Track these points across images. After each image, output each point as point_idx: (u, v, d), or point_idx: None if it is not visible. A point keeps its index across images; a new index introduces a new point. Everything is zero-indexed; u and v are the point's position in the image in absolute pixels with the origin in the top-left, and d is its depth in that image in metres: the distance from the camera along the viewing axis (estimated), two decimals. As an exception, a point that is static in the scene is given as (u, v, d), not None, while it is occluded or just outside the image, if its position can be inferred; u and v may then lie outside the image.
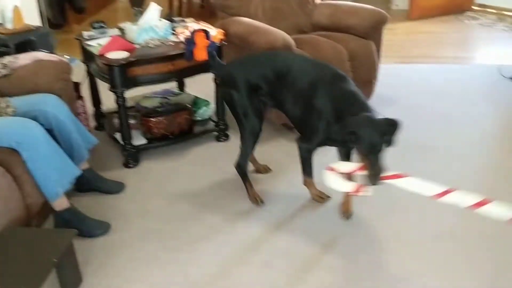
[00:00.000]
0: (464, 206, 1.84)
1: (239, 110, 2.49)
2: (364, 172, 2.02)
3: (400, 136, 3.29)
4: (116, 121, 3.13)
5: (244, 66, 2.57)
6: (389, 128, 2.07)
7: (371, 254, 2.24)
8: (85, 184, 2.72)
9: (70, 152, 2.49)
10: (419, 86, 4.20)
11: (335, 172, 2.02)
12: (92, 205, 2.63)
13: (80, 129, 2.62)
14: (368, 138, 2.01)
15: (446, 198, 1.85)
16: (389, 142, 2.07)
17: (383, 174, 1.98)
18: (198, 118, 3.36)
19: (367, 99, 2.33)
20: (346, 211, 2.51)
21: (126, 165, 3.04)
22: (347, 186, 2.03)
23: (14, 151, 2.19)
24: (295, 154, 2.50)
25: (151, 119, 3.07)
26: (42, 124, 2.32)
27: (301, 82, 2.39)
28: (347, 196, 2.48)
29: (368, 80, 3.49)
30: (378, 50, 3.59)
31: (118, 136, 3.11)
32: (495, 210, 1.81)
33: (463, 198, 1.84)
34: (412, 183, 1.97)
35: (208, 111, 3.40)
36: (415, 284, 2.07)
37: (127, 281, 2.13)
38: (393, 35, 5.34)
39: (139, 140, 3.11)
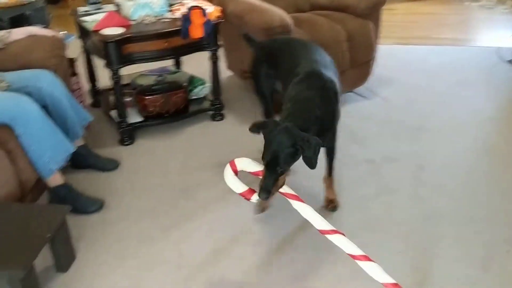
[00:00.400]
0: (346, 251, 1.73)
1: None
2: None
3: (395, 116, 3.34)
4: (111, 98, 3.12)
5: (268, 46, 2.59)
6: (303, 144, 1.80)
7: (360, 235, 2.26)
8: (79, 161, 2.73)
9: (65, 128, 2.49)
10: (417, 67, 4.19)
11: (235, 168, 1.86)
12: (86, 182, 2.65)
13: (74, 106, 2.61)
14: (269, 148, 1.81)
15: (331, 237, 1.75)
16: (287, 160, 1.81)
17: (272, 191, 1.79)
18: (194, 97, 3.35)
19: (326, 109, 2.06)
20: (329, 202, 2.43)
21: (121, 142, 3.04)
22: (238, 187, 1.84)
23: (7, 127, 2.19)
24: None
25: (147, 97, 3.06)
26: (36, 100, 2.31)
27: (284, 71, 2.32)
28: (328, 187, 2.42)
29: (365, 61, 3.47)
30: (377, 30, 3.56)
31: (113, 113, 3.11)
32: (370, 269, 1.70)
33: (346, 245, 1.73)
34: (305, 211, 1.81)
35: (204, 90, 3.39)
36: (401, 264, 2.09)
37: (120, 257, 2.16)
38: (392, 15, 5.30)
39: (134, 118, 3.11)
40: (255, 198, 1.83)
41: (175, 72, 3.44)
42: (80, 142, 2.68)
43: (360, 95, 3.64)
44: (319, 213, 1.82)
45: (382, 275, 1.66)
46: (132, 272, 2.07)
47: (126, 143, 3.04)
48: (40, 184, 2.41)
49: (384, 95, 3.65)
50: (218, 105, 3.27)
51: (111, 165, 2.80)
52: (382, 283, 1.66)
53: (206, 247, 2.21)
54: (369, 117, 3.35)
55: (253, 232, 2.30)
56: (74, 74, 3.21)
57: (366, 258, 1.69)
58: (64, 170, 2.44)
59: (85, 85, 3.43)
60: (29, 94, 2.35)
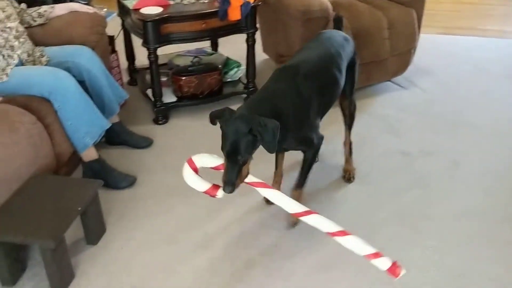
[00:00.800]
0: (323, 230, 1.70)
1: None
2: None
3: (434, 109, 3.25)
4: (148, 77, 3.15)
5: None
6: (261, 129, 1.69)
7: (391, 228, 2.22)
8: (114, 137, 2.78)
9: (101, 105, 2.53)
10: (460, 59, 4.04)
11: (194, 166, 1.78)
12: (120, 158, 2.69)
13: (112, 83, 2.65)
14: (227, 138, 1.71)
15: (305, 219, 1.71)
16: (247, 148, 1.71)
17: (237, 183, 1.71)
18: (229, 79, 3.34)
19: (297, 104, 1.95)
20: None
21: (156, 121, 3.07)
22: (201, 185, 1.77)
23: (46, 100, 2.24)
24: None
25: (182, 77, 3.07)
26: (74, 76, 2.35)
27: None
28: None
29: (406, 50, 3.37)
30: (420, 19, 3.44)
31: (149, 92, 3.14)
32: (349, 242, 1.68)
33: (322, 223, 1.69)
34: (275, 197, 1.76)
35: (239, 72, 3.38)
36: (431, 259, 2.04)
37: (148, 233, 2.19)
38: (436, 3, 5.11)
39: (169, 97, 3.13)
40: (220, 193, 1.75)
41: (211, 54, 3.44)
42: (115, 119, 2.72)
43: (399, 85, 3.55)
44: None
45: (364, 247, 1.64)
46: (160, 248, 2.10)
47: (160, 122, 3.07)
48: (75, 158, 2.47)
49: (424, 86, 3.54)
50: (251, 88, 3.25)
51: (144, 143, 2.83)
52: (364, 255, 1.64)
53: (232, 229, 2.22)
54: (407, 108, 3.26)
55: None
56: (113, 51, 3.25)
57: (344, 233, 1.65)
58: (98, 145, 2.49)
59: (124, 63, 3.47)
60: (68, 69, 2.39)
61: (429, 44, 4.00)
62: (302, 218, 1.71)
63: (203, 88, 3.11)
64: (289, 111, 1.89)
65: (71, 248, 2.03)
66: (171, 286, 1.92)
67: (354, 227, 2.18)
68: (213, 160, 1.79)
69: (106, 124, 2.43)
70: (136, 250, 2.10)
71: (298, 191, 2.17)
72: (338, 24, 2.47)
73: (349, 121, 2.50)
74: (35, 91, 2.23)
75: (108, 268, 2.00)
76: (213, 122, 1.81)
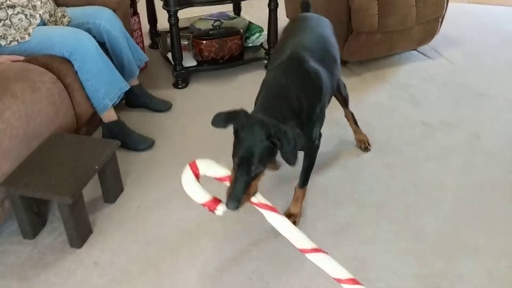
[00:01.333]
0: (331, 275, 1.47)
1: None
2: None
3: (459, 80, 3.16)
4: (169, 41, 3.14)
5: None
6: (281, 136, 1.51)
7: (407, 197, 2.21)
8: (134, 100, 2.80)
9: (121, 67, 2.55)
10: (489, 30, 3.91)
11: (197, 170, 1.60)
12: (139, 121, 2.72)
13: (132, 45, 2.65)
14: (242, 144, 1.51)
15: (312, 257, 1.49)
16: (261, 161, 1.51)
17: (243, 200, 1.50)
18: (250, 44, 3.31)
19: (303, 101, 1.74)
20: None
21: (175, 85, 3.09)
22: (200, 196, 1.57)
23: (66, 61, 2.27)
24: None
25: (203, 41, 3.06)
26: (94, 37, 2.37)
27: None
28: (296, 199, 2.07)
29: (434, 18, 3.27)
30: (449, -14, 3.33)
31: (170, 56, 3.14)
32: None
33: (330, 266, 1.47)
34: (282, 225, 1.54)
35: (261, 37, 3.34)
36: (444, 228, 2.03)
37: (165, 195, 2.23)
38: (470, -29, 4.92)
39: (189, 62, 3.13)
40: (221, 210, 1.54)
41: (233, 18, 3.40)
42: (135, 81, 2.74)
43: (424, 54, 3.47)
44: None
45: None
46: (176, 210, 2.14)
47: (180, 86, 3.08)
48: (95, 119, 2.51)
49: (450, 56, 3.45)
50: (273, 55, 3.22)
51: (164, 107, 2.85)
52: None
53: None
54: (431, 78, 3.19)
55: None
56: (134, 13, 3.24)
57: (355, 281, 1.43)
58: (118, 108, 2.52)
59: (145, 26, 3.47)
60: (88, 30, 2.41)
61: (458, 13, 3.88)
62: (309, 256, 1.49)
63: (223, 52, 3.09)
64: (306, 108, 1.73)
65: (89, 205, 2.09)
66: (185, 246, 1.96)
67: (371, 197, 2.20)
68: (219, 169, 1.58)
69: (125, 86, 2.45)
70: (152, 210, 2.14)
71: (302, 189, 2.04)
72: (306, 8, 2.31)
73: (344, 102, 2.40)
74: (56, 51, 2.25)
75: (124, 225, 2.05)
76: (219, 125, 1.58)
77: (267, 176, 1.69)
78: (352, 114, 2.47)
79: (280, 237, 1.59)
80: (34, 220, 1.96)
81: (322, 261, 1.47)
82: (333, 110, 2.76)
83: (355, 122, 2.50)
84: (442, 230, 2.03)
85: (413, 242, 1.97)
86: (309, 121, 1.79)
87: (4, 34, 2.23)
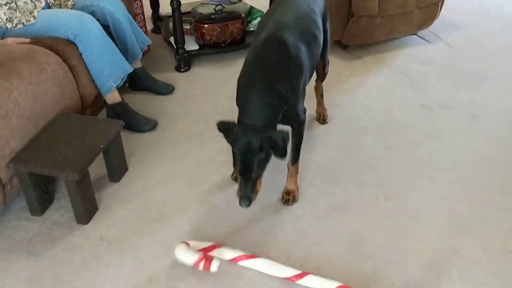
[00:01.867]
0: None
1: None
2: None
3: (457, 63, 3.20)
4: (171, 25, 3.18)
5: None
6: (272, 145, 1.69)
7: (405, 177, 2.26)
8: (137, 83, 2.85)
9: (124, 49, 2.59)
10: (490, 15, 3.93)
11: (187, 246, 1.79)
12: (142, 103, 2.77)
13: (135, 28, 2.69)
14: (239, 158, 1.72)
15: (303, 282, 1.72)
16: (262, 160, 1.72)
17: (253, 198, 1.77)
18: (251, 29, 3.34)
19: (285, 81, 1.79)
20: (287, 193, 2.13)
21: (178, 69, 3.13)
22: (192, 258, 1.73)
23: (71, 43, 2.31)
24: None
25: (204, 25, 3.09)
26: (98, 20, 2.40)
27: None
28: (291, 176, 2.12)
29: (434, 2, 3.29)
30: (450, -30, 3.36)
31: (172, 40, 3.18)
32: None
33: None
34: (263, 265, 1.78)
35: (262, 22, 3.37)
36: (441, 206, 2.08)
37: (169, 174, 2.28)
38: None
39: (192, 46, 3.16)
40: (215, 266, 1.72)
41: (235, 3, 3.43)
42: (138, 64, 2.78)
43: (424, 38, 3.50)
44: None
45: None
46: (179, 188, 2.20)
47: (182, 70, 3.12)
48: (99, 101, 2.55)
49: (450, 41, 3.48)
50: (275, 39, 3.25)
51: (166, 89, 2.90)
52: None
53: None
54: (430, 62, 3.23)
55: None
56: (137, -2, 3.27)
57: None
58: (122, 90, 2.57)
59: (148, 10, 3.50)
60: (92, 13, 2.44)
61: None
62: (299, 282, 1.71)
63: (225, 36, 3.13)
64: (289, 88, 1.79)
65: (95, 184, 2.14)
66: (188, 221, 2.01)
67: (370, 176, 2.25)
68: (204, 245, 1.83)
69: (129, 68, 2.49)
70: (157, 189, 2.19)
71: (295, 166, 2.09)
72: None
73: (322, 78, 2.51)
74: (61, 33, 2.29)
75: (129, 203, 2.11)
76: (221, 131, 1.76)
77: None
78: (322, 87, 2.56)
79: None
80: (42, 197, 2.02)
81: (311, 282, 1.69)
82: (335, 94, 2.83)
83: (322, 95, 2.59)
84: (439, 207, 2.08)
85: (410, 219, 2.02)
86: (294, 99, 1.83)
87: (10, 17, 2.27)
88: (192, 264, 1.73)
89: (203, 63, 3.19)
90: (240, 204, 1.76)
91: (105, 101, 2.52)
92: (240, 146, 1.70)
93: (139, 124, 2.55)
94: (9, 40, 2.23)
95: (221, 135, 1.76)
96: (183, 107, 2.78)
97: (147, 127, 2.56)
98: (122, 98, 2.52)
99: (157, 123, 2.60)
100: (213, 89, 2.93)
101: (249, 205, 1.75)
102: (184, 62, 3.11)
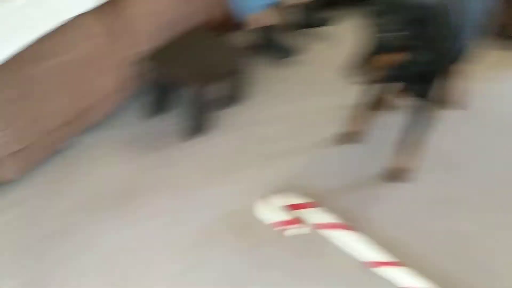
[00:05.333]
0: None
1: None
2: None
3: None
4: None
5: None
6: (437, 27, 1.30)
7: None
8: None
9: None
10: None
11: (269, 203, 1.73)
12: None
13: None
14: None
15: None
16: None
17: (364, 64, 1.38)
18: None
19: None
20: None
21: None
22: (278, 216, 1.68)
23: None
24: None
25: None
26: None
27: None
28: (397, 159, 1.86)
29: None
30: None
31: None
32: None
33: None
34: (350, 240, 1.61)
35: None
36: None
37: (286, 110, 2.21)
38: None
39: None
40: (299, 226, 1.65)
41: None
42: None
43: None
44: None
45: None
46: (287, 131, 2.13)
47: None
48: (239, 24, 2.49)
49: None
50: None
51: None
52: None
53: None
54: None
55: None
56: None
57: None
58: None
59: None
60: None
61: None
62: (383, 269, 1.54)
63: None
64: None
65: (217, 103, 2.15)
66: (287, 168, 1.95)
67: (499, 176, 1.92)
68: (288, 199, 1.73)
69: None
70: (270, 120, 2.15)
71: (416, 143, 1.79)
72: None
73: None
74: None
75: (245, 123, 2.13)
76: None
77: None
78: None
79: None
80: (157, 103, 2.10)
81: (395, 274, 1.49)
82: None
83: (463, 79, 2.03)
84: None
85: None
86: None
87: None
88: (279, 222, 1.68)
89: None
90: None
91: (247, 24, 2.45)
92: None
93: (277, 50, 2.48)
94: None
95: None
96: (330, 49, 2.57)
97: (283, 55, 2.48)
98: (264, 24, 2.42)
99: (295, 54, 2.49)
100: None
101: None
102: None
